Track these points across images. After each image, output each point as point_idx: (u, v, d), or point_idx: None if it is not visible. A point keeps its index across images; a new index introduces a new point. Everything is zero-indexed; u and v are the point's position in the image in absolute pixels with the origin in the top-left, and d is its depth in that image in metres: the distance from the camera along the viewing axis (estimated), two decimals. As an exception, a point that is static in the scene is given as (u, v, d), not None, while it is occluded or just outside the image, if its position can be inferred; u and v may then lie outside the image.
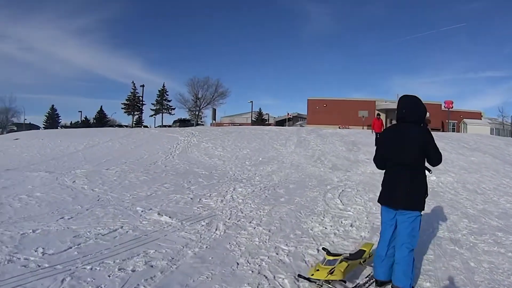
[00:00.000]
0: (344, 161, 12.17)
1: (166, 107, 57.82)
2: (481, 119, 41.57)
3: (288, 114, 57.64)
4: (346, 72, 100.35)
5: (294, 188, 7.87)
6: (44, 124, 63.83)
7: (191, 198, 6.37)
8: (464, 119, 39.42)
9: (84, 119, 62.10)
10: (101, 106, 67.38)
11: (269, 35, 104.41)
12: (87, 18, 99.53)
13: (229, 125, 33.91)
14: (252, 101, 53.59)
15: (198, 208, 5.69)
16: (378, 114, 18.00)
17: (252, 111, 55.45)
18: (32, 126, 57.25)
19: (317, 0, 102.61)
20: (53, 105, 66.42)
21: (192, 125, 39.85)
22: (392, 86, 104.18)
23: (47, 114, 65.96)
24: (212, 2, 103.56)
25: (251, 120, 53.50)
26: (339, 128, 29.57)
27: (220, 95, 51.11)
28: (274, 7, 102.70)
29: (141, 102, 55.57)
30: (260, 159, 12.42)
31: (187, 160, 11.61)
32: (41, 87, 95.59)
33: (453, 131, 36.89)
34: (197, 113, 50.98)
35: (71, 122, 65.77)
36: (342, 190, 7.69)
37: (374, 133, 16.24)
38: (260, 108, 64.11)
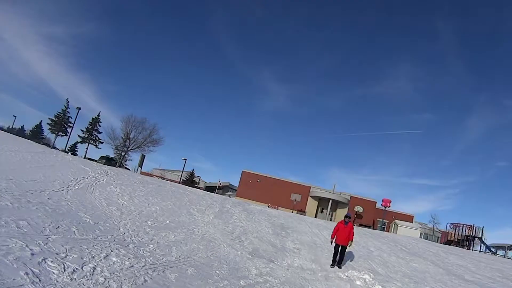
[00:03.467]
0: (269, 247, 9.83)
1: (94, 138, 51.65)
2: (412, 222, 43.13)
3: (219, 181, 55.06)
4: (285, 154, 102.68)
5: (193, 275, 5.31)
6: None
7: (30, 258, 3.78)
8: (396, 220, 40.44)
9: (20, 127, 54.73)
10: (41, 121, 60.95)
11: (224, 99, 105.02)
12: (58, 27, 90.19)
13: (159, 178, 30.21)
14: (186, 159, 50.21)
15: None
16: (348, 217, 9.35)
17: (183, 170, 51.86)
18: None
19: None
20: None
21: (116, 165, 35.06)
22: (329, 177, 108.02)
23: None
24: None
25: (180, 179, 49.59)
26: (268, 207, 27.66)
27: (152, 142, 46.96)
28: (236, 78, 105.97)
29: (69, 124, 49.54)
30: (168, 221, 9.73)
31: (80, 199, 8.82)
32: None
33: (383, 230, 37.20)
34: (123, 154, 45.78)
35: (9, 127, 56.57)
36: (261, 293, 5.28)
37: (334, 244, 9.09)
38: (193, 169, 60.74)
